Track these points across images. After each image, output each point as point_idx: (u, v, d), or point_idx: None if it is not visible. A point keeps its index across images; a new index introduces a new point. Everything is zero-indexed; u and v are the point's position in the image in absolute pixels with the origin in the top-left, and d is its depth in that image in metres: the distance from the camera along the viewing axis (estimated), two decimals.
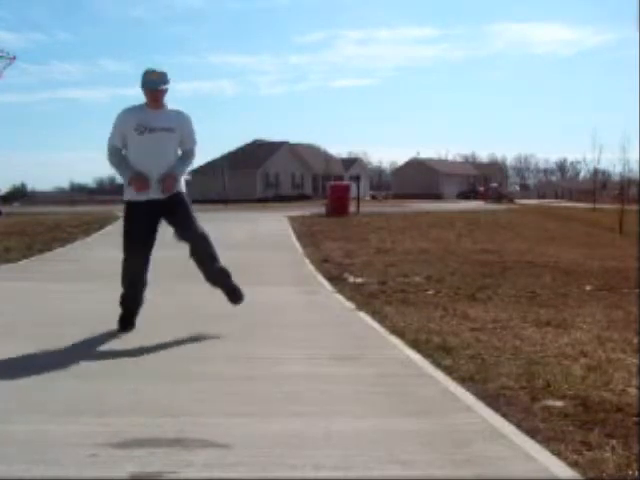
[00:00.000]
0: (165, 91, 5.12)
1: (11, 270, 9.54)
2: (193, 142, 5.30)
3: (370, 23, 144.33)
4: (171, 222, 5.16)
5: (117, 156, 5.18)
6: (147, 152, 5.08)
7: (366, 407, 3.42)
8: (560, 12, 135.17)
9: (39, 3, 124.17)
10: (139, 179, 5.04)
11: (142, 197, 5.06)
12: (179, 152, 5.26)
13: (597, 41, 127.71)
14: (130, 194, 5.13)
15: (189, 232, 5.14)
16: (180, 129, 5.16)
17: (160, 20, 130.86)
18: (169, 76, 5.12)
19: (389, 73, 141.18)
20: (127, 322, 5.17)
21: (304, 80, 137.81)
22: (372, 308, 6.52)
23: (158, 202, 5.08)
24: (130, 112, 5.13)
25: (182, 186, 5.28)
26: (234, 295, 5.37)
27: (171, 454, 2.67)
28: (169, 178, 5.08)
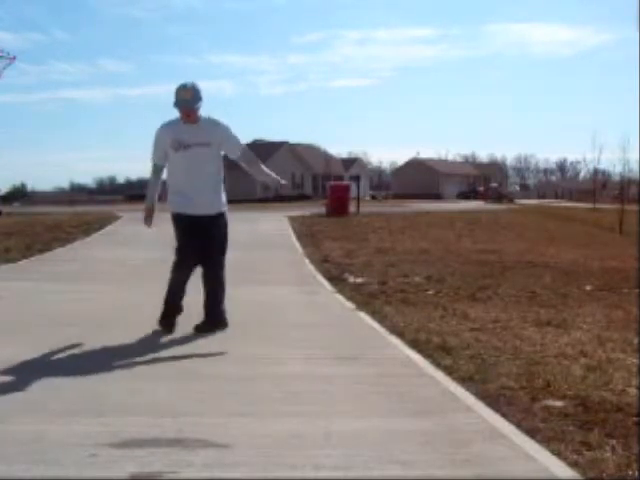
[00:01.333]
0: (199, 108, 5.12)
1: (11, 270, 9.54)
2: (239, 145, 5.28)
3: (368, 23, 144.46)
4: (205, 243, 5.18)
5: (153, 176, 5.29)
6: (184, 168, 5.13)
7: (366, 407, 3.42)
8: (559, 12, 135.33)
9: (37, 2, 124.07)
10: (146, 213, 5.24)
11: (185, 211, 5.13)
12: (220, 164, 5.26)
13: (596, 41, 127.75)
14: (174, 206, 5.21)
15: (211, 265, 5.19)
16: (218, 141, 5.15)
17: (159, 20, 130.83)
18: (200, 88, 5.10)
19: (388, 73, 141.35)
20: (166, 321, 5.19)
21: (303, 80, 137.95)
22: (372, 308, 6.52)
23: (200, 218, 5.12)
24: (166, 128, 5.17)
25: (224, 203, 5.31)
26: (208, 322, 5.23)
27: (171, 454, 2.67)
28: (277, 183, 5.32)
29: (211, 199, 5.19)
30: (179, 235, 5.22)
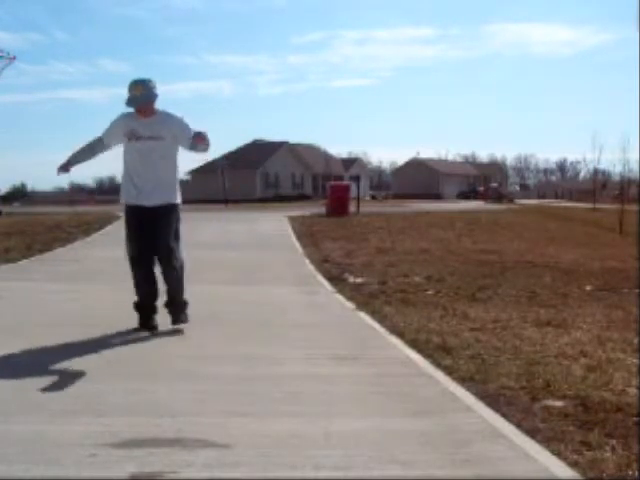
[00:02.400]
0: (152, 103, 5.15)
1: (11, 270, 9.54)
2: (190, 132, 5.18)
3: (368, 23, 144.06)
4: (152, 230, 5.12)
5: (91, 142, 5.26)
6: (135, 159, 5.17)
7: (366, 407, 3.42)
8: (559, 12, 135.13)
9: (36, 3, 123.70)
10: (64, 163, 5.26)
11: (134, 201, 5.15)
12: (174, 157, 5.25)
13: (596, 41, 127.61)
14: (124, 197, 5.23)
15: (160, 245, 5.10)
16: (172, 134, 5.16)
17: (158, 20, 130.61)
18: (154, 84, 5.11)
19: (387, 73, 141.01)
20: (146, 324, 5.17)
21: (303, 80, 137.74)
22: (372, 308, 6.52)
23: (149, 209, 5.11)
24: (125, 118, 5.21)
25: (177, 197, 5.28)
26: (176, 315, 5.23)
27: (171, 454, 2.67)
28: (201, 136, 5.09)
29: (160, 191, 5.16)
30: (127, 226, 5.21)
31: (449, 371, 4.15)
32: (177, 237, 5.22)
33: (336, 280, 8.67)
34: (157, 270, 5.23)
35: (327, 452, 2.73)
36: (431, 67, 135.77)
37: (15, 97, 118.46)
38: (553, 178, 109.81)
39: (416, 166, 73.57)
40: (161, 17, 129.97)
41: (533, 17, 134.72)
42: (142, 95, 5.07)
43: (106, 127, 5.25)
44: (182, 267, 5.22)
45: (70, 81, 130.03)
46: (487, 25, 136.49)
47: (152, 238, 5.10)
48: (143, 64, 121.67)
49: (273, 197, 50.50)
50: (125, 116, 5.22)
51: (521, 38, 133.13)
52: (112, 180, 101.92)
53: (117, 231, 17.20)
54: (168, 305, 5.25)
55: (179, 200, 5.30)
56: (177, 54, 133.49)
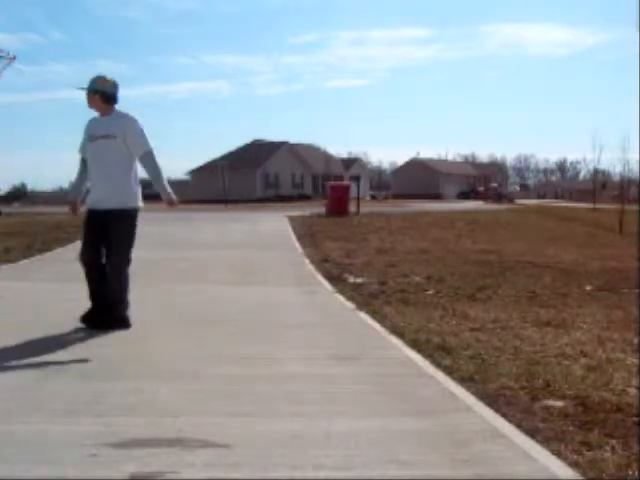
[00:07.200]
0: (91, 95, 5.16)
1: (11, 270, 9.54)
2: (144, 145, 5.18)
3: (363, 24, 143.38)
4: (107, 237, 5.13)
5: (79, 170, 5.38)
6: (91, 160, 5.22)
7: (366, 407, 3.42)
8: (554, 13, 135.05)
9: (33, 3, 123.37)
10: (69, 204, 5.46)
11: (90, 205, 5.22)
12: (128, 158, 5.15)
13: (593, 41, 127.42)
14: (86, 203, 5.31)
15: (110, 257, 5.14)
16: (122, 134, 5.09)
17: (154, 21, 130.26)
18: (97, 82, 5.15)
19: (384, 74, 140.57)
20: (90, 319, 5.13)
21: (299, 80, 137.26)
22: (372, 308, 6.53)
23: (102, 212, 5.11)
24: (89, 122, 5.31)
25: (131, 199, 5.19)
26: (117, 323, 5.17)
27: (171, 454, 2.67)
28: (169, 199, 5.24)
29: (112, 193, 5.10)
30: (83, 230, 5.27)
31: (449, 371, 4.15)
32: (127, 244, 5.15)
33: (336, 280, 8.67)
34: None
35: (327, 452, 2.73)
36: (428, 68, 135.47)
37: (15, 97, 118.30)
38: (553, 178, 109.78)
39: (416, 166, 73.59)
40: (157, 18, 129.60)
41: (529, 18, 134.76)
42: (91, 85, 5.14)
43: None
44: (128, 274, 5.21)
45: (68, 82, 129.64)
46: (484, 25, 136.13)
47: (103, 244, 5.12)
48: (140, 65, 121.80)
49: (273, 197, 50.48)
50: (89, 121, 5.30)
51: (518, 38, 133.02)
52: None
53: None
54: (109, 308, 5.19)
55: (135, 204, 5.21)
56: (174, 55, 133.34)
